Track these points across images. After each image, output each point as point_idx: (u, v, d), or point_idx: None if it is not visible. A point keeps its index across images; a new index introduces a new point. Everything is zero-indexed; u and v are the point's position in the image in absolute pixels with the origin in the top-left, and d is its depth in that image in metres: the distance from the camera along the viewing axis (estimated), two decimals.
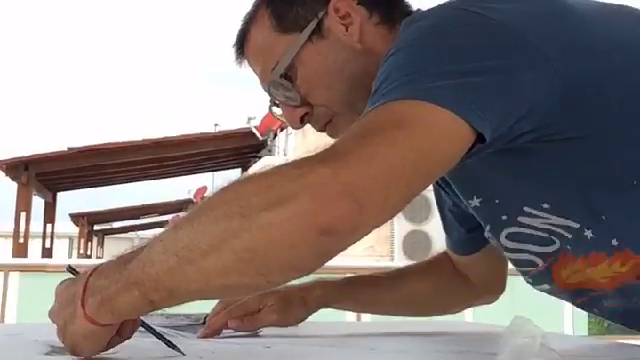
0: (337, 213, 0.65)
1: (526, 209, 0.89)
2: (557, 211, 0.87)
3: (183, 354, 0.78)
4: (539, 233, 0.91)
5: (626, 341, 0.96)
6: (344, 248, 0.69)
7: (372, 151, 0.68)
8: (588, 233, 0.86)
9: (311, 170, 0.66)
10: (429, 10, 0.87)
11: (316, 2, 0.96)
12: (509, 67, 0.76)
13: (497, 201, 0.92)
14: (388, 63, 0.79)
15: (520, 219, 0.91)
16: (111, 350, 0.76)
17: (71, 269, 0.80)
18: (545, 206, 0.87)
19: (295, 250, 0.66)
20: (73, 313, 0.72)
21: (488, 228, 0.98)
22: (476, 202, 0.95)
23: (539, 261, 0.96)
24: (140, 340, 0.82)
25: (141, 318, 0.79)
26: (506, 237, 0.96)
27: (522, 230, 0.92)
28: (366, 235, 0.69)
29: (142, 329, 0.81)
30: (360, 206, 0.66)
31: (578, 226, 0.86)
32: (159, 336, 0.81)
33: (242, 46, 1.02)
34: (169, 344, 0.79)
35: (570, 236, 0.88)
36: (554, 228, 0.89)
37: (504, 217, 0.93)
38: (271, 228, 0.65)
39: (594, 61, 0.79)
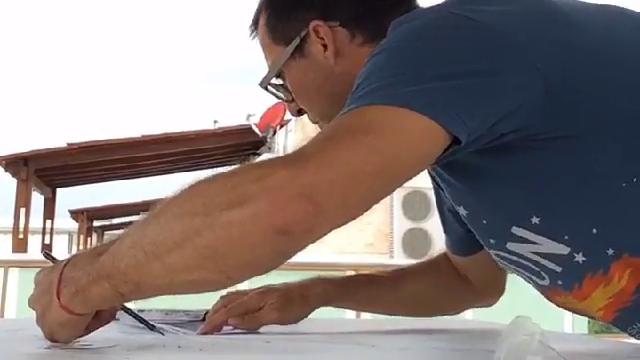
0: (293, 214, 0.68)
1: (514, 230, 0.87)
2: (546, 229, 0.85)
3: (162, 334, 0.81)
4: (529, 264, 0.90)
5: (626, 340, 0.96)
6: (301, 248, 0.71)
7: (334, 155, 0.70)
8: (579, 257, 0.85)
9: (272, 172, 0.69)
10: (418, 12, 0.89)
11: (299, 22, 0.98)
12: (491, 69, 0.76)
13: (485, 222, 0.91)
14: (370, 64, 0.80)
15: (509, 246, 0.89)
16: (89, 338, 0.79)
17: (48, 255, 0.84)
18: (534, 221, 0.84)
19: (253, 249, 0.69)
20: (49, 302, 0.76)
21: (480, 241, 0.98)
22: (463, 212, 0.94)
23: (532, 283, 0.96)
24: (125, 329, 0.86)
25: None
26: (496, 256, 0.96)
27: (512, 257, 0.92)
28: (324, 235, 0.71)
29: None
30: (316, 208, 0.68)
31: (568, 251, 0.85)
32: (138, 318, 0.83)
33: (256, 26, 1.04)
34: (149, 326, 0.81)
35: (560, 269, 0.87)
36: (543, 262, 0.88)
37: (492, 241, 0.92)
38: (231, 227, 0.68)
39: (580, 61, 0.79)
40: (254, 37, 1.05)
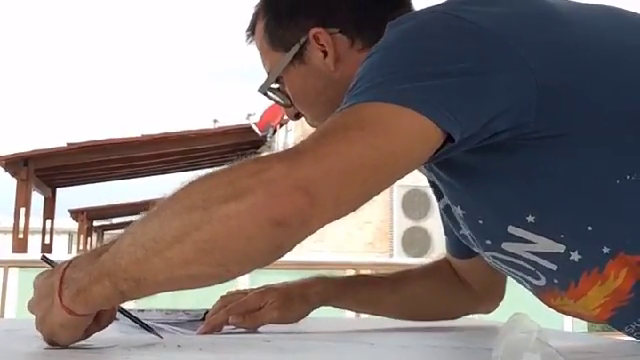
0: (289, 206, 0.69)
1: (510, 229, 0.87)
2: (542, 227, 0.85)
3: (161, 337, 0.81)
4: (525, 264, 0.90)
5: (626, 338, 0.96)
6: (298, 241, 0.72)
7: (329, 149, 0.71)
8: (575, 256, 0.85)
9: (269, 166, 0.70)
10: (413, 13, 0.90)
11: (299, 28, 0.99)
12: (484, 69, 0.77)
13: (480, 222, 0.91)
14: (366, 63, 0.81)
15: (505, 246, 0.90)
16: (86, 341, 0.79)
17: (46, 259, 0.84)
18: (530, 220, 0.85)
19: (251, 242, 0.70)
20: (51, 304, 0.76)
21: (474, 244, 0.98)
22: (460, 212, 0.94)
23: (527, 285, 0.96)
24: (123, 329, 0.86)
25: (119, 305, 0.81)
26: (492, 257, 0.95)
27: (507, 258, 0.92)
28: (319, 228, 0.72)
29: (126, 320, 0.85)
30: (312, 200, 0.69)
31: (563, 249, 0.85)
32: (136, 321, 0.83)
33: (253, 31, 1.06)
34: (147, 328, 0.82)
35: (555, 267, 0.87)
36: (539, 260, 0.88)
37: (488, 241, 0.92)
38: (229, 220, 0.69)
39: (573, 62, 0.80)
40: (250, 42, 1.07)
